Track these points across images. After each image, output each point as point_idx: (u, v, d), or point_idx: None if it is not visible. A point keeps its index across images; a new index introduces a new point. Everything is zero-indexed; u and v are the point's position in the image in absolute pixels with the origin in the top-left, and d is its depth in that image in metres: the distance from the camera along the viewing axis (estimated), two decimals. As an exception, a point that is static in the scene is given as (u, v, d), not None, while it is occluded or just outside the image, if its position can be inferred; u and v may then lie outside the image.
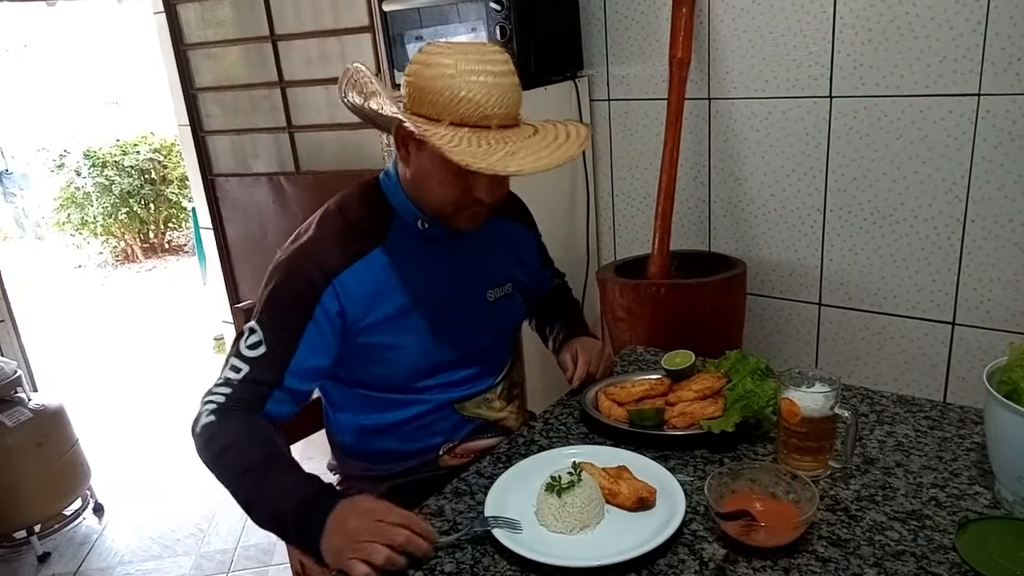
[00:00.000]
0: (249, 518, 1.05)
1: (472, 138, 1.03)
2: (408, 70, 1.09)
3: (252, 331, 1.12)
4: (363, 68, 1.13)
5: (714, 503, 0.94)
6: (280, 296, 1.14)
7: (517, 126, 1.10)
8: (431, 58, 1.06)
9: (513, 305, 1.38)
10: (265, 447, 1.06)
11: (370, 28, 2.69)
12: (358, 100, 1.16)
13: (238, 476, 1.05)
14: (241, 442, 1.07)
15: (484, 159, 1.00)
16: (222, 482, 1.07)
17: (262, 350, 1.11)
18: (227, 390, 1.11)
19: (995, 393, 0.93)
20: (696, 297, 2.05)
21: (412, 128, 1.02)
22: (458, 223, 1.18)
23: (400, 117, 1.04)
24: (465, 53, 1.05)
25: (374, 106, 1.12)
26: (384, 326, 1.17)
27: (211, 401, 1.10)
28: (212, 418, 1.08)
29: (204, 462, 1.08)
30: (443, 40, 1.25)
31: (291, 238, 1.20)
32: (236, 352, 1.13)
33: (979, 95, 1.80)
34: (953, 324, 1.99)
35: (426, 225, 1.20)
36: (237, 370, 1.11)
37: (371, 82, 1.12)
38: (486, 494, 1.06)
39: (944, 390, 2.05)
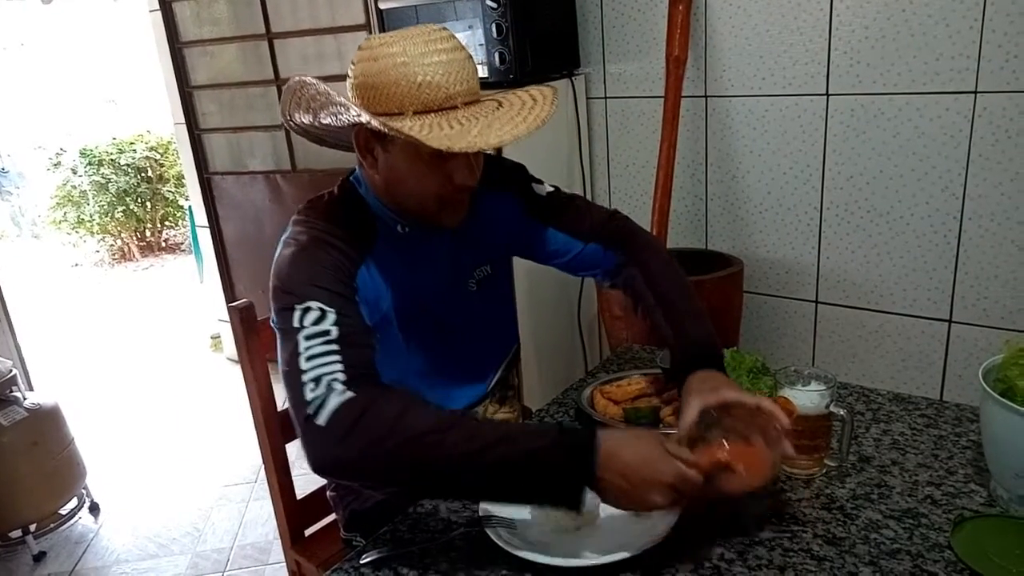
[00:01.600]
0: (459, 481, 0.90)
1: (442, 122, 0.97)
2: (353, 72, 1.01)
3: (307, 309, 0.96)
4: (309, 79, 1.03)
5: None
6: (319, 277, 1.01)
7: (480, 101, 1.04)
8: (375, 51, 0.99)
9: (497, 291, 1.28)
10: (440, 408, 0.94)
11: (366, 26, 2.69)
12: (306, 119, 1.07)
13: (443, 429, 0.88)
14: (417, 402, 0.92)
15: (462, 139, 0.93)
16: (405, 449, 0.87)
17: (332, 315, 0.96)
18: (335, 364, 0.92)
19: (991, 391, 0.93)
20: (693, 295, 2.05)
21: (378, 126, 0.94)
22: (443, 219, 1.11)
23: (363, 119, 0.95)
24: (409, 38, 0.99)
25: (327, 120, 1.02)
26: (379, 334, 1.10)
27: (329, 380, 0.90)
28: (350, 393, 0.89)
29: (366, 441, 0.88)
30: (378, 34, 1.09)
31: (286, 260, 1.03)
32: (307, 335, 0.94)
33: (976, 92, 1.80)
34: (950, 322, 1.99)
35: (406, 229, 1.13)
36: (327, 340, 0.93)
37: (319, 94, 1.01)
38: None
39: (940, 388, 2.05)
